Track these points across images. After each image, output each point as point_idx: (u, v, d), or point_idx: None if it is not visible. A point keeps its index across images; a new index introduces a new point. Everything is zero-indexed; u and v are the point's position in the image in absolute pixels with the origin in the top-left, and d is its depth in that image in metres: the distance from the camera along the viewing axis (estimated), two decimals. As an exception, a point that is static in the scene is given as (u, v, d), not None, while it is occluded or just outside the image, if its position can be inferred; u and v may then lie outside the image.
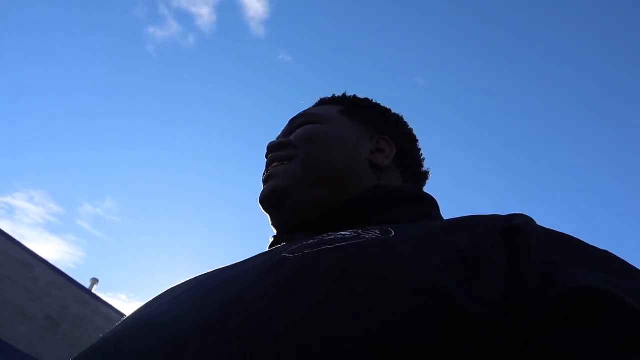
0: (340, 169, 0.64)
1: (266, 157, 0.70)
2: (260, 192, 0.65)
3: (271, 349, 0.32)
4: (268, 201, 0.64)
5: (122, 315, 8.72)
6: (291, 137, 0.69)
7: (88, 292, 8.45)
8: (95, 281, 8.72)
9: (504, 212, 0.48)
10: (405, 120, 0.80)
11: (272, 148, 0.69)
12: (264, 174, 0.69)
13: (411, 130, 0.79)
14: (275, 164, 0.67)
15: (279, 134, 0.76)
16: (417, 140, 0.79)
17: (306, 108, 0.78)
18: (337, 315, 0.33)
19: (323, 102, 0.80)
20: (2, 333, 7.25)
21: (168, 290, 0.53)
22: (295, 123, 0.73)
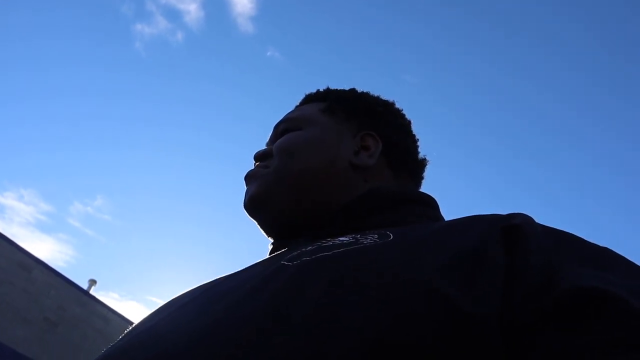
0: (314, 176, 0.63)
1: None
2: (244, 197, 0.66)
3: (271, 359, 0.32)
4: (249, 209, 0.65)
5: (120, 316, 8.63)
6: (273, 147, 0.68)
7: (86, 293, 8.37)
8: (93, 282, 8.62)
9: (502, 211, 0.48)
10: (395, 107, 0.76)
11: (256, 158, 0.70)
12: None
13: (402, 118, 0.75)
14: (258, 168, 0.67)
15: (267, 140, 0.74)
16: (408, 129, 0.75)
17: (293, 107, 0.78)
18: (336, 325, 0.33)
19: (308, 98, 0.78)
20: (1, 336, 7.43)
21: (171, 301, 0.53)
22: (279, 130, 0.71)
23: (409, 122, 0.75)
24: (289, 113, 0.74)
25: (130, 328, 0.52)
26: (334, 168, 0.64)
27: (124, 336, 0.48)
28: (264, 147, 0.73)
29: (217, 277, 0.54)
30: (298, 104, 0.78)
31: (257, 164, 0.69)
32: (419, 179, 0.73)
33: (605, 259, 0.39)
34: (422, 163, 0.73)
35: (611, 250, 0.41)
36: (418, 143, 0.74)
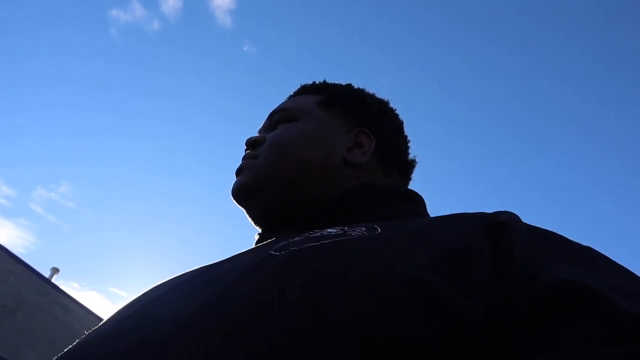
0: (307, 169, 0.63)
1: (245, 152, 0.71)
2: (232, 186, 0.67)
3: (252, 352, 0.32)
4: (236, 197, 0.65)
5: (82, 306, 8.53)
6: (267, 136, 0.68)
7: (47, 281, 8.24)
8: (55, 270, 8.48)
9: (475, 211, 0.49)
10: (390, 107, 0.76)
11: (247, 144, 0.69)
12: None
13: (395, 118, 0.76)
14: (248, 159, 0.67)
15: (260, 127, 0.75)
16: (401, 129, 0.75)
17: (287, 97, 0.77)
18: (319, 315, 0.33)
19: (304, 89, 0.77)
20: (-45, 321, 7.24)
21: (154, 288, 0.53)
22: (274, 119, 0.70)
23: (402, 122, 0.76)
24: (284, 102, 0.74)
25: (113, 313, 0.51)
26: (327, 163, 0.64)
27: (105, 321, 0.48)
28: (255, 134, 0.72)
29: (203, 265, 0.53)
30: (292, 93, 0.77)
31: (247, 151, 0.69)
32: (408, 178, 0.74)
33: (587, 257, 0.40)
34: (412, 164, 0.75)
35: (593, 249, 0.42)
36: (409, 144, 0.75)
